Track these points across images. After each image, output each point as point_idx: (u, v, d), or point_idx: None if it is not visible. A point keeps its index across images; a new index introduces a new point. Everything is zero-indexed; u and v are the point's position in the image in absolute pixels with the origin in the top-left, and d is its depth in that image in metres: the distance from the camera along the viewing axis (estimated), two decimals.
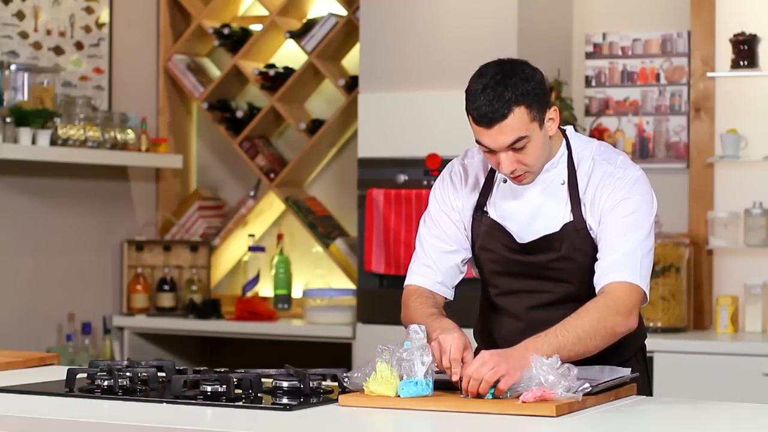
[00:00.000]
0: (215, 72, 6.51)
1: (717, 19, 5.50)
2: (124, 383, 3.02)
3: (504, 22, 5.29)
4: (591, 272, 3.11)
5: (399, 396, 2.86)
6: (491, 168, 3.22)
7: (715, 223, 5.44)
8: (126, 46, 6.27)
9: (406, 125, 5.44)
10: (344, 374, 2.97)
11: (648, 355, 3.48)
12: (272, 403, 2.86)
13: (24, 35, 5.76)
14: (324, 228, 6.17)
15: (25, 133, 5.45)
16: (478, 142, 3.07)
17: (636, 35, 5.69)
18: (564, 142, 3.20)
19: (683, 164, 5.60)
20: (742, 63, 5.40)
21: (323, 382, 3.03)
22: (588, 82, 5.76)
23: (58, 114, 5.61)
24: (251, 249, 6.25)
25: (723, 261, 5.52)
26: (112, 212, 6.20)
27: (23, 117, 5.45)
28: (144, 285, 6.20)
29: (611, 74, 5.73)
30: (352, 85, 6.00)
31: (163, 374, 3.16)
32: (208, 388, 2.93)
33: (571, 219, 3.15)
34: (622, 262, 3.06)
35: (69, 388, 3.09)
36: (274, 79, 6.24)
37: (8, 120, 5.40)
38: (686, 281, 5.41)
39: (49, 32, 5.87)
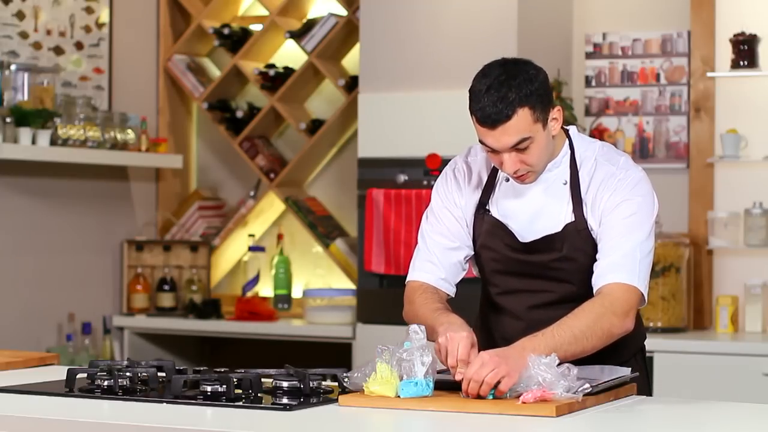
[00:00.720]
0: (215, 72, 6.51)
1: (717, 19, 5.50)
2: (124, 383, 3.02)
3: (504, 22, 5.30)
4: (592, 273, 3.11)
5: (399, 396, 2.86)
6: (494, 166, 3.21)
7: (715, 223, 5.44)
8: (126, 46, 6.27)
9: (406, 125, 5.44)
10: (344, 374, 2.97)
11: (648, 355, 3.49)
12: (272, 403, 2.86)
13: (24, 35, 5.76)
14: (324, 228, 6.17)
15: (25, 133, 5.45)
16: (481, 142, 3.07)
17: (636, 35, 5.69)
18: (567, 142, 3.20)
19: (683, 164, 5.60)
20: (742, 63, 5.39)
21: (323, 382, 3.03)
22: (588, 82, 5.76)
23: (58, 114, 5.61)
24: (251, 249, 6.25)
25: (723, 261, 5.52)
26: (112, 212, 6.20)
27: (23, 117, 5.45)
28: (144, 285, 6.20)
29: (611, 74, 5.73)
30: (352, 85, 6.00)
31: (163, 374, 3.16)
32: (208, 388, 2.93)
33: (573, 219, 3.15)
34: (621, 264, 3.06)
35: (69, 388, 3.09)
36: (274, 79, 6.24)
37: (8, 120, 5.40)
38: (686, 281, 5.41)
39: (49, 32, 5.87)
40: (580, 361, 2.94)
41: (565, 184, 3.17)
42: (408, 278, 3.28)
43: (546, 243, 3.16)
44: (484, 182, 3.25)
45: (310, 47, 6.10)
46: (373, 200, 5.43)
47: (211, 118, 6.39)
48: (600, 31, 5.75)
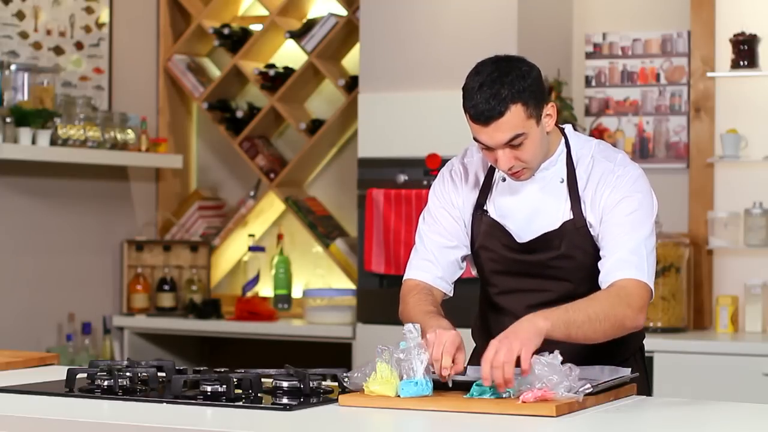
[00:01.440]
0: (215, 72, 6.51)
1: (717, 19, 5.50)
2: (124, 383, 3.02)
3: (504, 22, 5.30)
4: (591, 270, 3.11)
5: (399, 396, 2.86)
6: (491, 166, 3.22)
7: (715, 223, 5.44)
8: (126, 46, 6.27)
9: (406, 125, 5.44)
10: (344, 374, 2.97)
11: (648, 355, 3.49)
12: (272, 403, 2.86)
13: (24, 35, 5.76)
14: (324, 228, 6.17)
15: (25, 133, 5.45)
16: (475, 139, 3.07)
17: (636, 35, 5.69)
18: (563, 140, 3.20)
19: (683, 164, 5.60)
20: (742, 63, 5.39)
21: (323, 382, 3.03)
22: (588, 82, 5.76)
23: (58, 114, 5.62)
24: (251, 249, 6.25)
25: (723, 261, 5.52)
26: (112, 212, 6.20)
27: (23, 117, 5.45)
28: (144, 285, 6.20)
29: (611, 74, 5.73)
30: (352, 85, 6.00)
31: (163, 374, 3.16)
32: (208, 388, 2.93)
33: (571, 217, 3.15)
34: (629, 260, 3.05)
35: (69, 388, 3.09)
36: (274, 79, 6.24)
37: (8, 120, 5.40)
38: (686, 281, 5.41)
39: (49, 32, 5.87)
40: (580, 362, 2.94)
41: (561, 182, 3.17)
42: (405, 276, 3.28)
43: (544, 241, 3.16)
44: (481, 183, 3.25)
45: (310, 47, 6.10)
46: (373, 200, 5.43)
47: (211, 118, 6.39)
48: (600, 31, 5.75)
